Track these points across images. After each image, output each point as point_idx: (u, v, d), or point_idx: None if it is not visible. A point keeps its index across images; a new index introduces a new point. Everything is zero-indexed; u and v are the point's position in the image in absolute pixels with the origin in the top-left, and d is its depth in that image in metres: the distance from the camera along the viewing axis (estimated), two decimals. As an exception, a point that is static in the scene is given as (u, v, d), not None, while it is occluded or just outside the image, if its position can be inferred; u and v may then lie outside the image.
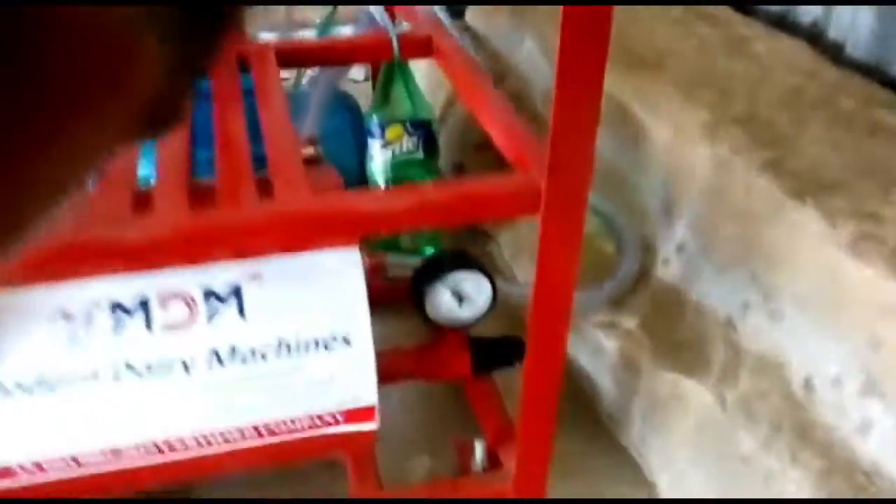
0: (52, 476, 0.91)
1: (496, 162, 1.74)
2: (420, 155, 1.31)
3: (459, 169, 1.72)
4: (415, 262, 1.18)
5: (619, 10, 0.74)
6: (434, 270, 1.00)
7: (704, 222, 1.20)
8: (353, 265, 0.95)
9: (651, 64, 1.38)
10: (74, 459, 0.90)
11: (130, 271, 0.90)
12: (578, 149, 0.84)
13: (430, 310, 1.01)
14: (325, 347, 0.93)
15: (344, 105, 1.41)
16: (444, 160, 1.65)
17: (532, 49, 1.71)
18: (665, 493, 1.18)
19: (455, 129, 1.79)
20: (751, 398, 1.04)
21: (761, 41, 1.43)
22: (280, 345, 0.92)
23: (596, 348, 1.29)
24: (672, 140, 1.26)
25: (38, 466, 0.90)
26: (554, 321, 0.95)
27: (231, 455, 0.97)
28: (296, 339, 0.92)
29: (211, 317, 0.90)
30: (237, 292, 0.91)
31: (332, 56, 1.21)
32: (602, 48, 0.76)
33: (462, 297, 1.02)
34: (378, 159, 1.32)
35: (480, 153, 1.75)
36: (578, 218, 0.88)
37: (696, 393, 1.10)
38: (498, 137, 0.99)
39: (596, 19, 0.75)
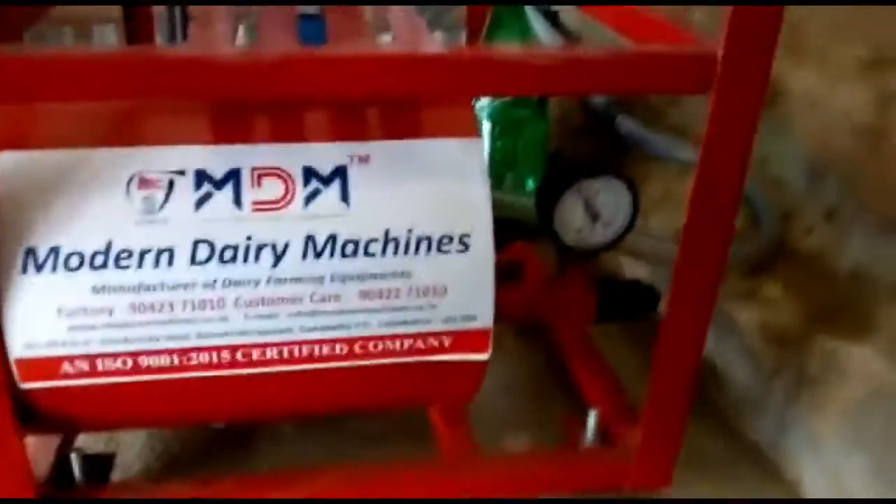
0: (104, 378, 0.77)
1: (595, 147, 1.62)
2: (532, 96, 1.18)
3: (558, 155, 1.59)
4: (519, 200, 1.03)
5: None
6: (566, 177, 0.84)
7: (860, 180, 1.03)
8: (476, 156, 0.80)
9: None
10: (133, 357, 0.76)
11: (218, 141, 0.77)
12: (764, 13, 0.70)
13: (559, 226, 0.86)
14: (439, 249, 0.78)
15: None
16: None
17: None
18: (811, 492, 0.99)
19: (552, 114, 1.66)
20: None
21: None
22: (386, 240, 0.77)
23: (725, 329, 1.12)
24: (820, 85, 1.11)
25: (91, 362, 0.76)
26: (712, 241, 0.79)
27: (314, 379, 0.81)
28: (405, 236, 0.77)
29: (309, 199, 0.76)
30: (341, 174, 0.77)
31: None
32: None
33: (596, 214, 0.86)
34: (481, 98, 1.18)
35: (579, 138, 1.62)
36: (757, 101, 0.73)
37: (862, 360, 0.92)
38: (648, 34, 0.85)
39: None
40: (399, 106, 0.83)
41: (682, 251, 0.79)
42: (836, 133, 1.08)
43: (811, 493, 0.99)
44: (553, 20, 1.40)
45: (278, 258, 0.75)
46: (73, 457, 0.87)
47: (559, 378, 1.17)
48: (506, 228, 1.02)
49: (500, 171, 1.16)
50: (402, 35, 0.93)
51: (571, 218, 0.86)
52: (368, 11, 1.00)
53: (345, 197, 0.77)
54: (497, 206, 0.81)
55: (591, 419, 0.96)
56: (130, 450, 1.02)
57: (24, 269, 0.72)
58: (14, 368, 0.75)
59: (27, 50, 0.64)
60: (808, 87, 1.15)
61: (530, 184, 1.15)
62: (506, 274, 0.87)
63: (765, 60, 0.71)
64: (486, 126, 1.16)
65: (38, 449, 0.89)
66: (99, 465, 0.93)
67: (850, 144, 1.07)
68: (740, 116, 0.74)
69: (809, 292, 1.05)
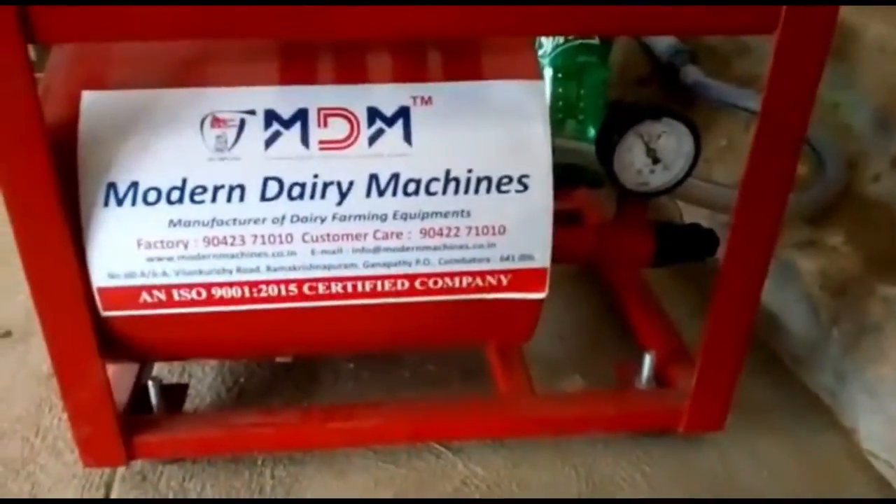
0: (179, 308, 0.81)
1: (659, 96, 1.60)
2: (595, 40, 1.17)
3: (619, 103, 1.58)
4: (580, 146, 1.04)
5: None
6: (627, 118, 0.85)
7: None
8: (538, 98, 0.82)
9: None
10: (206, 288, 0.80)
11: (287, 82, 0.80)
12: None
13: (619, 168, 0.87)
14: (498, 189, 0.80)
15: None
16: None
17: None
18: (867, 442, 0.99)
19: (615, 65, 1.65)
20: None
21: None
22: (447, 179, 0.79)
23: (784, 278, 1.11)
24: (891, 32, 1.08)
25: (167, 292, 0.80)
26: (773, 186, 0.79)
27: (376, 314, 0.84)
28: (465, 175, 0.79)
29: (373, 139, 0.79)
30: (405, 115, 0.79)
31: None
32: None
33: (657, 156, 0.86)
34: (545, 42, 1.18)
35: (641, 88, 1.60)
36: (823, 43, 0.72)
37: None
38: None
39: None
40: (461, 49, 0.84)
41: (742, 195, 0.80)
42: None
43: (867, 442, 0.99)
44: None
45: (343, 196, 0.78)
46: (151, 386, 0.92)
47: (613, 325, 1.18)
48: (567, 174, 1.03)
49: (562, 117, 1.16)
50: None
51: (631, 160, 0.87)
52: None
53: (407, 137, 0.79)
54: (558, 152, 0.83)
55: (647, 361, 0.98)
56: (202, 382, 1.07)
57: (106, 203, 0.76)
58: (97, 297, 0.80)
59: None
60: (879, 33, 1.13)
61: (591, 131, 1.15)
62: (566, 219, 0.88)
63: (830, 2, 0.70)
64: (549, 72, 1.15)
65: (119, 378, 0.94)
66: (174, 394, 0.99)
67: (921, 92, 1.04)
68: (806, 58, 0.73)
69: (872, 240, 1.04)
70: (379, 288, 0.82)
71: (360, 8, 0.67)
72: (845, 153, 1.14)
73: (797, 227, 1.11)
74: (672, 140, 0.86)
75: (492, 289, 0.84)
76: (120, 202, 0.76)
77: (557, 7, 0.69)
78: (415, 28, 0.69)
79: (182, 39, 0.71)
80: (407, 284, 0.82)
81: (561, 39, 1.17)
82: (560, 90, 1.16)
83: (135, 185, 0.76)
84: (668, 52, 1.44)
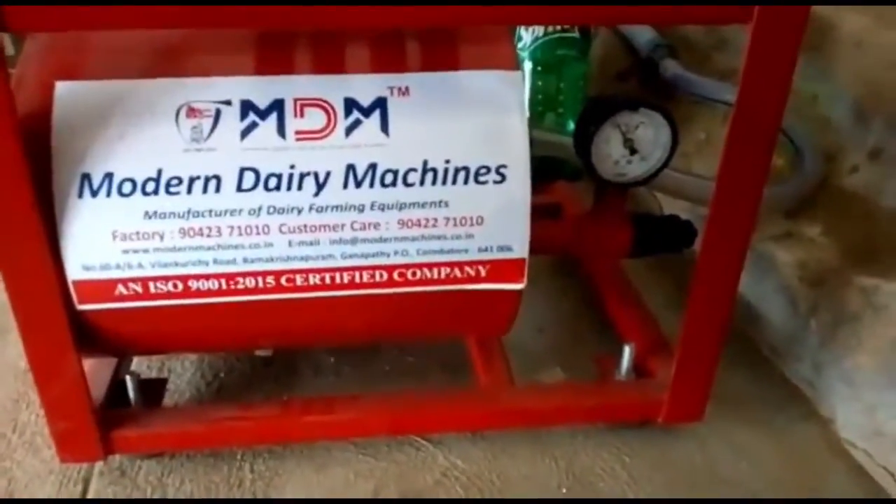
0: (155, 301, 0.81)
1: (638, 90, 1.60)
2: (575, 34, 1.17)
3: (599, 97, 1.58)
4: (559, 139, 1.04)
5: None
6: (604, 109, 0.85)
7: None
8: (514, 88, 0.82)
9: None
10: (183, 281, 0.80)
11: (263, 73, 0.79)
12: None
13: (597, 158, 0.87)
14: (476, 180, 0.80)
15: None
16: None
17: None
18: (845, 431, 1.00)
19: (595, 60, 1.65)
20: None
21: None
22: (425, 169, 0.79)
23: (763, 270, 1.12)
24: (867, 26, 1.09)
25: (143, 284, 0.79)
26: (748, 178, 0.79)
27: (355, 306, 0.84)
28: (443, 166, 0.79)
29: (350, 129, 0.78)
30: (381, 105, 0.79)
31: None
32: None
33: (634, 147, 0.87)
34: (525, 35, 1.17)
35: (621, 83, 1.61)
36: (796, 33, 0.73)
37: (900, 295, 0.93)
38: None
39: None
40: (438, 39, 0.84)
41: (718, 186, 0.80)
42: (882, 74, 1.07)
43: (845, 431, 1.00)
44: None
45: (320, 186, 0.78)
46: (129, 380, 0.91)
47: (593, 317, 1.18)
48: (546, 167, 1.03)
49: (542, 110, 1.17)
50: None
51: (609, 150, 0.87)
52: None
53: (385, 127, 0.79)
54: (538, 145, 0.83)
55: (626, 353, 0.98)
56: (181, 377, 1.07)
57: (80, 195, 0.76)
58: (72, 290, 0.79)
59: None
60: (855, 28, 1.13)
61: (571, 124, 1.15)
62: (545, 212, 0.89)
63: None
64: (528, 65, 1.16)
65: (96, 372, 0.93)
66: (152, 388, 0.98)
67: (897, 83, 1.05)
68: (780, 49, 0.74)
69: (849, 232, 1.05)
70: (357, 279, 0.82)
71: (336, -3, 0.66)
72: (823, 145, 1.15)
73: (775, 219, 1.12)
74: (649, 131, 0.86)
75: (470, 280, 0.84)
76: (94, 193, 0.76)
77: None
78: (392, 17, 0.69)
79: (157, 29, 0.70)
80: (385, 276, 0.82)
81: (540, 32, 1.17)
82: (539, 83, 1.16)
83: (109, 176, 0.76)
84: (647, 46, 1.45)
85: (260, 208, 0.77)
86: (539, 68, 1.16)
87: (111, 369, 0.95)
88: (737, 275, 0.87)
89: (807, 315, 1.05)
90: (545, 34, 1.16)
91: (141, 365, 1.06)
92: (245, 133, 0.77)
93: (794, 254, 1.07)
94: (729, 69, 1.39)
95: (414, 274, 0.82)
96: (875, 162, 1.08)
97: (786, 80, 0.74)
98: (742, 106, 0.76)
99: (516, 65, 0.83)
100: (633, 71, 1.56)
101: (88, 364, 0.88)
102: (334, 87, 0.79)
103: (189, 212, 0.77)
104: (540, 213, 0.83)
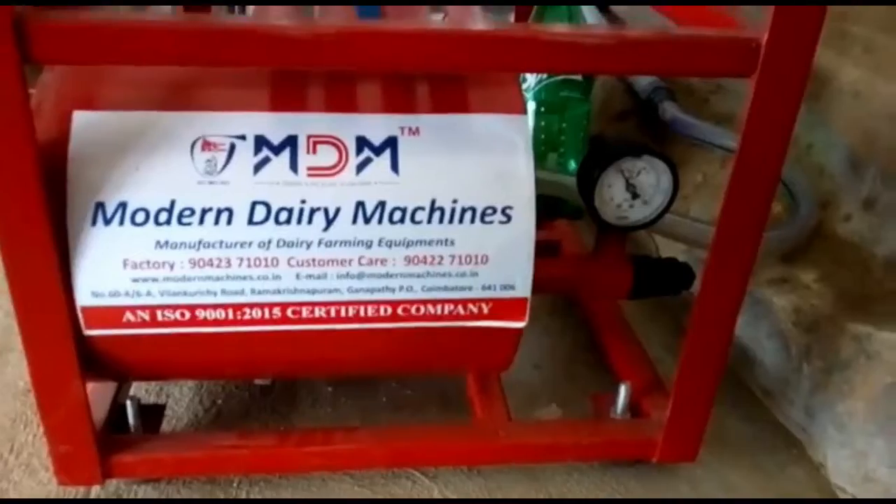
0: (162, 328, 0.82)
1: (637, 132, 1.63)
2: (578, 77, 1.20)
3: (600, 137, 1.61)
4: (561, 179, 1.06)
5: None
6: (608, 154, 0.87)
7: (903, 170, 1.04)
8: (521, 132, 0.84)
9: None
10: (191, 310, 0.81)
11: (277, 109, 0.81)
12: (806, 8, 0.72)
13: (600, 202, 0.89)
14: (482, 219, 0.82)
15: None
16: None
17: None
18: (835, 476, 1.01)
19: (595, 100, 1.68)
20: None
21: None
22: (433, 208, 0.81)
23: (757, 314, 1.14)
24: (865, 77, 1.11)
25: (151, 312, 0.80)
26: (748, 223, 0.81)
27: (358, 339, 0.85)
28: (450, 205, 0.81)
29: (361, 167, 0.80)
30: (392, 144, 0.81)
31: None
32: None
33: (637, 192, 0.89)
34: (529, 78, 1.21)
35: (620, 123, 1.63)
36: (799, 87, 0.75)
37: (892, 346, 0.94)
38: (695, 19, 0.87)
39: None
40: (449, 82, 0.86)
41: (718, 231, 0.82)
42: (878, 125, 1.09)
43: (835, 476, 1.01)
44: (603, 6, 1.42)
45: (330, 222, 0.79)
46: (129, 405, 0.92)
47: (589, 358, 1.20)
48: (547, 206, 1.05)
49: (544, 150, 1.19)
50: (453, 15, 0.96)
51: (612, 194, 0.89)
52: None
53: (394, 166, 0.80)
54: (540, 184, 0.84)
55: (622, 392, 0.99)
56: (180, 402, 1.07)
57: (94, 222, 0.77)
58: (80, 315, 0.80)
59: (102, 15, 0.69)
60: (853, 79, 1.16)
61: (572, 164, 1.18)
62: (544, 249, 0.90)
63: (808, 48, 0.73)
64: (532, 106, 1.18)
65: (96, 396, 0.94)
66: (152, 414, 0.98)
67: (892, 136, 1.08)
68: (782, 101, 0.76)
69: (843, 279, 1.07)
70: (362, 313, 0.83)
71: (351, 40, 0.69)
72: (818, 193, 1.17)
73: (771, 264, 1.14)
74: (651, 176, 0.88)
75: (473, 317, 0.85)
76: (107, 222, 0.77)
77: (544, 46, 0.71)
78: (404, 62, 0.71)
79: (180, 65, 0.71)
80: (390, 311, 0.83)
81: (545, 75, 1.19)
82: (542, 124, 1.18)
83: (123, 205, 0.77)
84: (647, 89, 1.48)
85: (270, 241, 0.79)
86: (542, 109, 1.18)
87: (111, 393, 0.96)
88: (734, 318, 0.89)
89: (800, 360, 1.06)
90: (549, 76, 1.19)
91: (139, 389, 1.07)
92: (258, 167, 0.79)
93: (788, 299, 1.09)
94: (726, 113, 1.42)
95: (418, 310, 0.84)
96: (869, 212, 1.10)
97: (787, 131, 0.77)
98: (743, 155, 0.78)
99: (523, 108, 0.85)
100: (632, 112, 1.59)
101: (89, 388, 0.88)
102: (347, 126, 0.81)
103: (200, 243, 0.78)
104: (539, 251, 0.84)
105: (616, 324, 1.16)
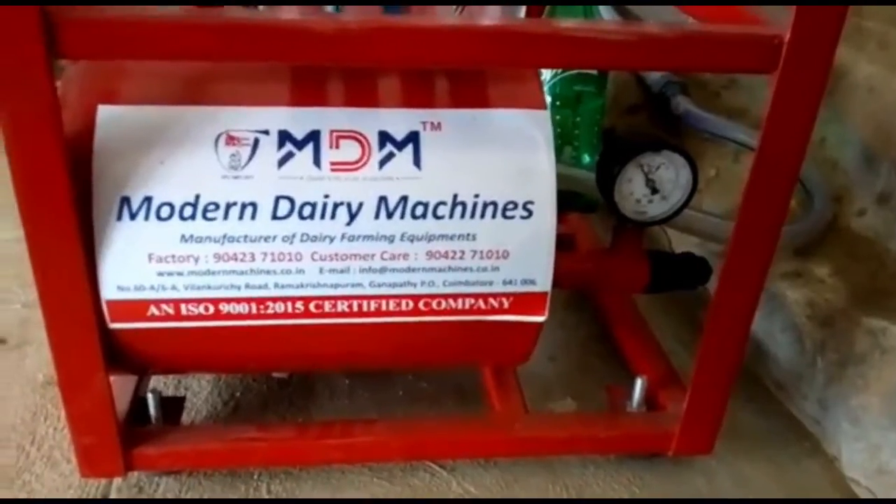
0: (187, 322, 0.82)
1: (649, 125, 1.63)
2: (593, 71, 1.20)
3: (611, 133, 1.61)
4: (576, 172, 1.07)
5: None
6: (628, 150, 0.88)
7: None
8: (542, 127, 0.84)
9: None
10: (215, 304, 0.81)
11: (300, 104, 0.81)
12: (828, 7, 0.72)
13: (619, 197, 0.89)
14: (504, 215, 0.82)
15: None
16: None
17: None
18: (849, 469, 1.02)
19: (608, 94, 1.68)
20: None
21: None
22: (454, 203, 0.81)
23: (771, 308, 1.14)
24: (880, 72, 1.12)
25: (176, 306, 0.81)
26: (767, 220, 0.82)
27: (381, 333, 0.86)
28: (472, 200, 0.82)
29: (384, 162, 0.81)
30: (415, 139, 0.81)
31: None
32: None
33: (656, 187, 0.89)
34: (545, 73, 1.21)
35: (632, 117, 1.64)
36: (820, 85, 0.75)
37: (907, 341, 0.95)
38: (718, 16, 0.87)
39: None
40: (470, 77, 0.86)
41: (737, 228, 0.82)
42: (893, 119, 1.10)
43: (849, 469, 1.02)
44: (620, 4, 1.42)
45: (353, 216, 0.80)
46: (150, 398, 0.93)
47: (603, 350, 1.20)
48: (562, 200, 1.05)
49: (559, 143, 1.19)
50: (472, 9, 0.96)
51: (631, 189, 0.90)
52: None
53: (417, 161, 0.81)
54: (557, 179, 0.85)
55: (638, 385, 1.00)
56: (198, 395, 1.08)
57: (119, 217, 0.77)
58: (105, 309, 0.81)
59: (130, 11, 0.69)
60: (868, 74, 1.17)
61: (587, 158, 1.18)
62: (560, 244, 0.91)
63: (830, 46, 0.74)
64: (547, 99, 1.18)
65: (119, 389, 0.94)
66: (172, 406, 0.99)
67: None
68: (803, 99, 0.76)
69: (857, 274, 1.07)
70: (384, 307, 0.84)
71: (373, 38, 0.69)
72: (832, 188, 1.18)
73: (785, 258, 1.15)
74: (671, 172, 0.89)
75: (494, 311, 0.86)
76: (133, 216, 0.78)
77: (564, 42, 0.72)
78: (425, 58, 0.72)
79: (205, 60, 0.72)
80: (411, 305, 0.84)
81: (560, 69, 1.20)
82: (557, 118, 1.18)
83: (148, 199, 0.78)
84: (659, 82, 1.48)
85: (294, 236, 0.79)
86: (557, 103, 1.18)
87: (133, 386, 0.97)
88: (751, 313, 0.90)
89: (814, 354, 1.07)
90: (564, 70, 1.19)
91: (158, 382, 1.08)
92: (282, 162, 0.79)
93: (803, 293, 1.09)
94: (738, 107, 1.42)
95: (439, 304, 0.84)
96: (883, 206, 1.11)
97: (807, 129, 0.77)
98: (763, 152, 0.78)
99: (543, 103, 0.85)
100: (644, 105, 1.59)
101: (112, 381, 0.89)
102: (369, 120, 0.81)
103: (224, 237, 0.79)
104: (557, 245, 0.85)
105: (630, 317, 1.17)
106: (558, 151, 1.21)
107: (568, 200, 1.14)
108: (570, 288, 1.07)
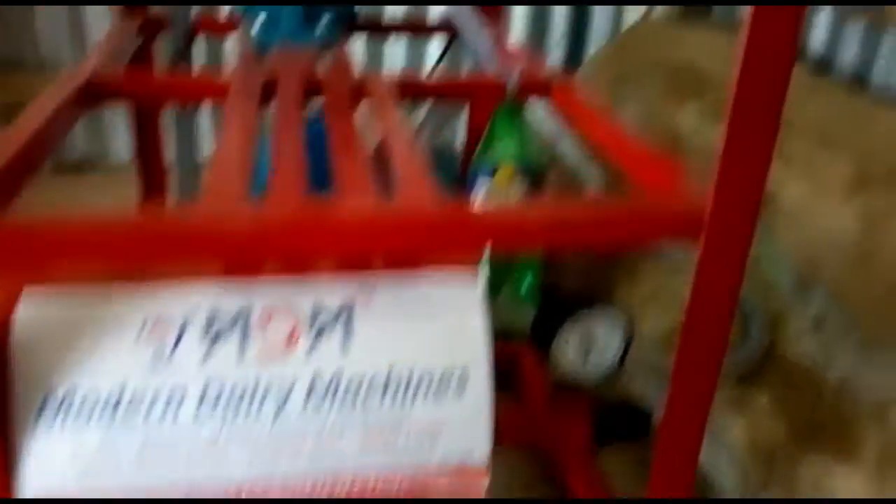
0: (113, 517, 0.78)
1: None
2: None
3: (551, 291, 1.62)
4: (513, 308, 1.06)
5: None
6: (560, 310, 0.87)
7: (848, 293, 1.07)
8: (474, 295, 0.83)
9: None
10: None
11: (231, 275, 0.80)
12: (750, 170, 0.74)
13: (555, 360, 0.89)
14: (438, 389, 0.81)
15: (442, 156, 1.32)
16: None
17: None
18: None
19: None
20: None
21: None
22: (387, 381, 0.80)
23: (715, 436, 1.14)
24: (808, 198, 1.15)
25: None
26: (702, 373, 0.82)
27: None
28: (406, 377, 0.80)
29: (315, 339, 0.79)
30: (348, 311, 0.80)
31: (450, 92, 1.15)
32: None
33: (590, 347, 0.89)
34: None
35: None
36: (744, 247, 0.77)
37: (847, 481, 0.95)
38: (636, 169, 0.89)
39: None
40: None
41: (677, 361, 0.82)
42: (822, 248, 1.12)
43: None
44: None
45: (283, 402, 0.78)
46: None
47: (553, 491, 1.18)
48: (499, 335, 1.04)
49: (496, 279, 1.19)
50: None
51: (567, 349, 0.89)
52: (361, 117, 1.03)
53: (348, 337, 0.79)
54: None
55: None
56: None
57: (40, 413, 0.74)
58: (23, 510, 0.77)
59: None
60: (795, 198, 1.19)
61: (525, 287, 1.18)
62: (501, 379, 0.89)
63: (751, 212, 0.76)
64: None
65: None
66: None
67: (836, 259, 1.10)
68: (727, 262, 0.78)
69: (796, 405, 1.08)
70: (317, 490, 0.81)
71: (296, 232, 0.69)
72: (768, 310, 1.19)
73: (723, 385, 1.15)
74: (605, 330, 0.89)
75: (431, 488, 0.84)
76: (55, 413, 0.74)
77: (489, 229, 0.72)
78: (354, 250, 0.71)
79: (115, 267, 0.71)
80: (349, 485, 0.81)
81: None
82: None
83: (70, 393, 0.75)
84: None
85: (222, 425, 0.77)
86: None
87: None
88: (696, 450, 0.89)
89: (758, 491, 1.07)
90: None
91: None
92: (209, 348, 0.77)
93: (744, 426, 1.09)
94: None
95: (376, 482, 0.82)
96: (817, 331, 1.12)
97: (735, 287, 0.78)
98: (692, 317, 0.79)
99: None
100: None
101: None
102: (300, 294, 0.80)
103: (149, 431, 0.76)
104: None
105: (582, 468, 1.15)
106: (496, 290, 1.21)
107: (505, 334, 1.14)
108: (512, 444, 1.06)
